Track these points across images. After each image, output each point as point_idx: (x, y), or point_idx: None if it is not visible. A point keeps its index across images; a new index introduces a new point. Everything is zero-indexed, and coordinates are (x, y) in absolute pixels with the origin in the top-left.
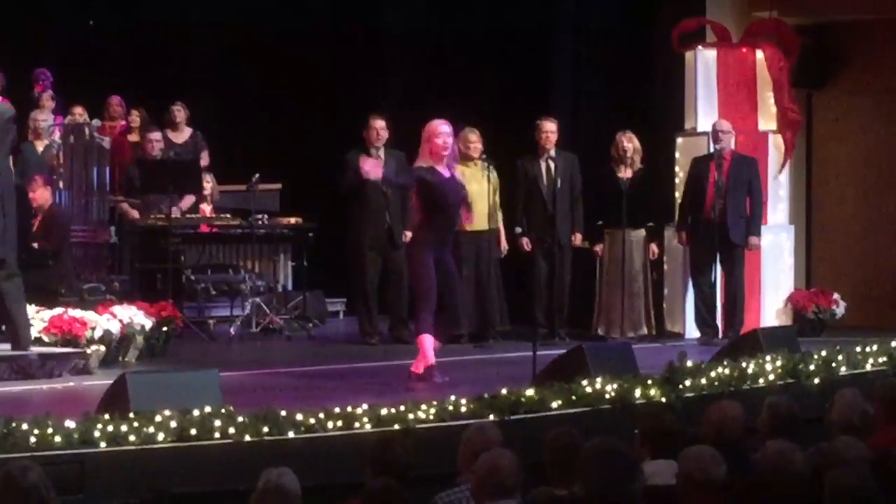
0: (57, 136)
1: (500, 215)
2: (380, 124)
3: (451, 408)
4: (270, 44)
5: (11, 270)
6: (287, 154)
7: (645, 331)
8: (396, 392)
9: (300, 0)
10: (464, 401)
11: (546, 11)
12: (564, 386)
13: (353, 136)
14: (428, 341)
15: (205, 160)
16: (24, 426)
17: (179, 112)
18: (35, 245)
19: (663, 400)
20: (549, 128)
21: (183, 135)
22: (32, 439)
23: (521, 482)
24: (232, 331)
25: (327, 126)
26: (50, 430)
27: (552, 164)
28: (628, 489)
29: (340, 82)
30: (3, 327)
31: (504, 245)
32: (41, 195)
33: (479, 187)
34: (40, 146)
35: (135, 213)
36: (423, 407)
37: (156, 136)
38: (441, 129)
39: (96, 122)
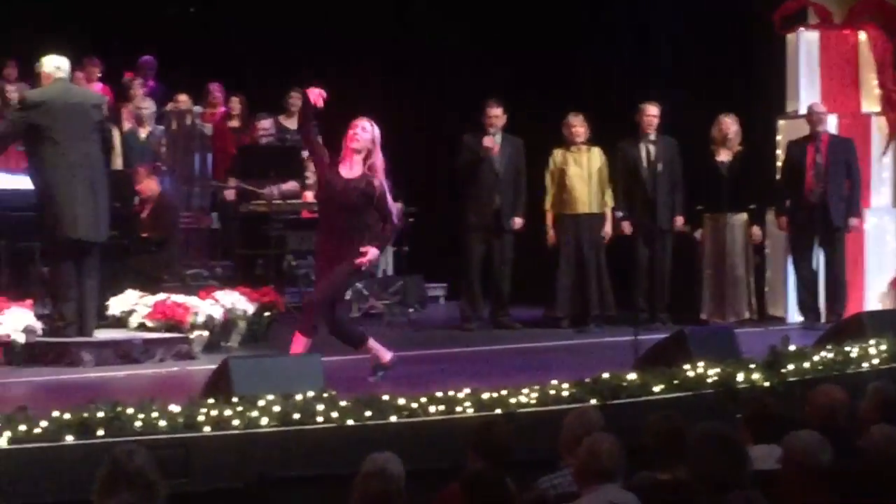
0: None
1: (608, 199)
2: (495, 111)
3: (552, 392)
4: (380, 27)
5: (94, 256)
6: (387, 140)
7: (747, 315)
8: (498, 376)
9: None
10: (565, 385)
11: None
12: (666, 370)
13: (454, 121)
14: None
15: None
16: (130, 411)
17: (298, 99)
18: (144, 235)
19: (766, 384)
20: (652, 111)
21: (295, 122)
22: (138, 424)
23: (623, 467)
24: None
25: (429, 112)
26: (155, 415)
27: (652, 148)
28: (737, 474)
29: (445, 67)
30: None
31: (609, 230)
32: (147, 186)
33: (581, 171)
34: (143, 133)
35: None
36: (525, 391)
37: (264, 123)
38: (355, 122)
39: (198, 110)
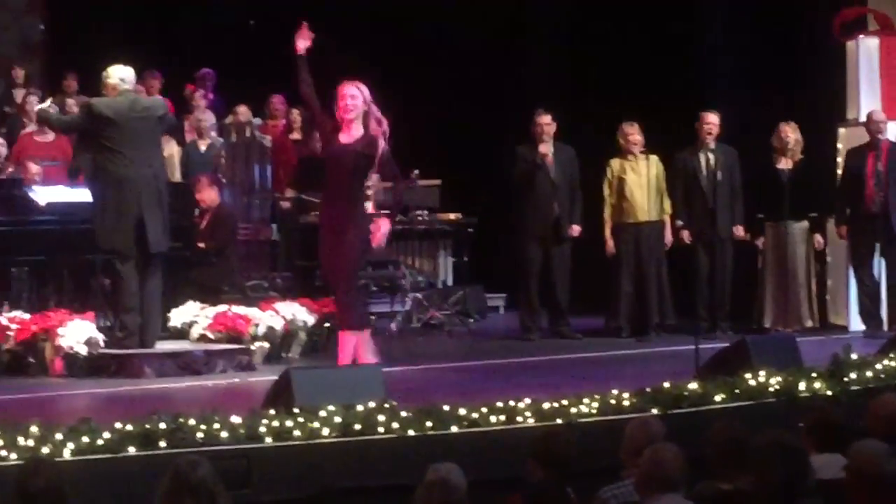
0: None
1: (666, 207)
2: (544, 119)
3: (613, 402)
4: (428, 40)
5: (156, 268)
6: (446, 150)
7: (809, 323)
8: (558, 386)
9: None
10: (626, 395)
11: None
12: (728, 379)
13: (512, 130)
14: (348, 339)
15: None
16: (192, 422)
17: None
18: (201, 245)
19: (828, 393)
20: (712, 120)
21: None
22: (200, 435)
23: (685, 476)
24: (393, 326)
25: (486, 121)
26: (216, 426)
27: (712, 157)
28: (801, 483)
29: (499, 77)
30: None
31: (669, 237)
32: (208, 195)
33: (639, 179)
34: (203, 145)
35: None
36: (586, 401)
37: None
38: (343, 92)
39: (258, 121)
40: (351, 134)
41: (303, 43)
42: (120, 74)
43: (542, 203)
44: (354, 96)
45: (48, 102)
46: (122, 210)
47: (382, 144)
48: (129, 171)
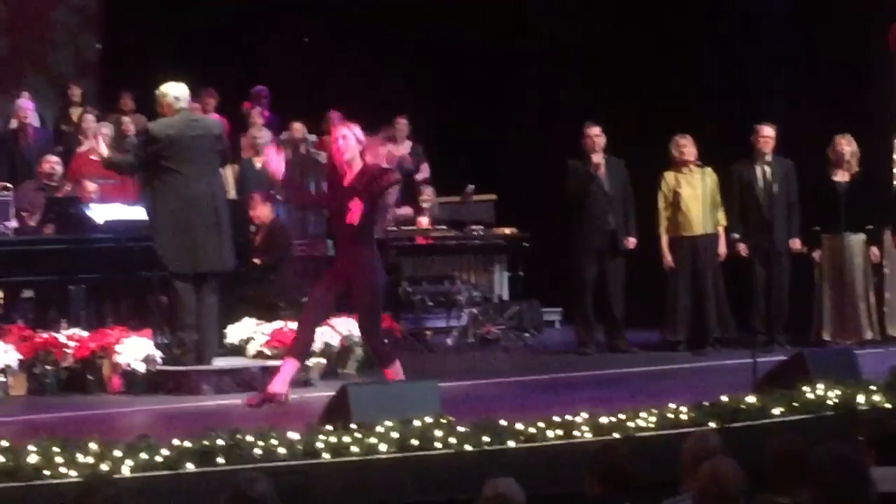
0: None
1: (720, 218)
2: (594, 131)
3: (670, 416)
4: (485, 57)
5: (214, 285)
6: (501, 165)
7: (868, 335)
8: (616, 400)
9: (514, 14)
10: (684, 408)
11: (756, 12)
12: (785, 392)
13: (566, 145)
14: (289, 367)
15: (424, 173)
16: (249, 438)
17: (405, 126)
18: (256, 261)
19: (888, 406)
20: (768, 133)
21: (402, 148)
22: (258, 451)
23: (744, 491)
24: (449, 341)
25: (541, 136)
26: (274, 442)
27: (768, 170)
28: (861, 496)
29: (553, 92)
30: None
31: (723, 249)
32: (262, 212)
33: (694, 192)
34: (258, 162)
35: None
36: (643, 415)
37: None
38: (334, 136)
39: (313, 138)
40: (350, 175)
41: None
42: (175, 93)
43: (597, 216)
44: (346, 137)
45: (105, 150)
46: (180, 228)
47: (370, 169)
48: (187, 189)
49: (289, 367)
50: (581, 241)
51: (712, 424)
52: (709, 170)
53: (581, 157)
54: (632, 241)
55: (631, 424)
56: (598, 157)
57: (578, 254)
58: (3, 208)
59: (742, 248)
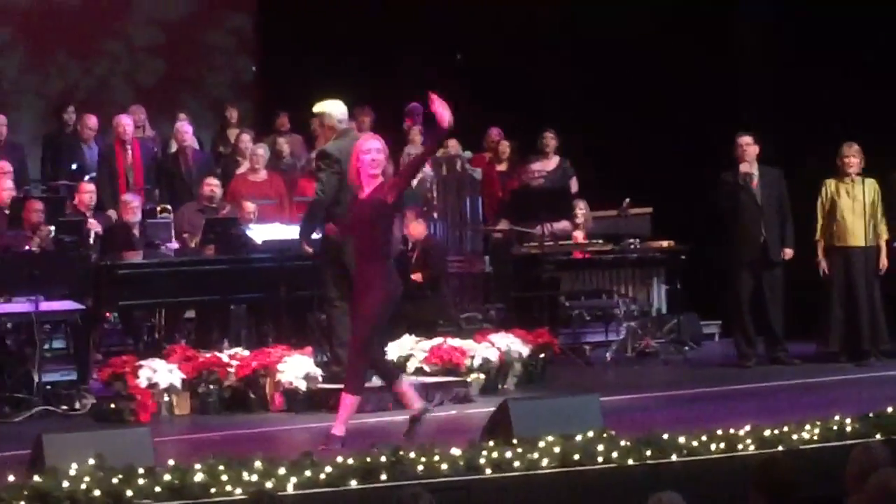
0: (428, 168)
1: (883, 231)
2: (745, 140)
3: (835, 427)
4: (637, 69)
5: None
6: (657, 178)
7: None
8: (779, 412)
9: (667, 26)
10: (848, 420)
11: None
12: None
13: (720, 156)
14: (347, 402)
15: (573, 187)
16: (412, 454)
17: (552, 140)
18: (414, 277)
19: None
20: None
21: (551, 162)
22: (420, 467)
23: None
24: (608, 355)
25: (696, 148)
26: (436, 458)
27: None
28: None
29: (707, 104)
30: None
31: (884, 261)
32: (415, 229)
33: (852, 202)
34: (414, 180)
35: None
36: (807, 427)
37: (537, 166)
38: (368, 146)
39: (468, 154)
40: (369, 188)
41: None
42: (337, 116)
43: (749, 227)
44: (380, 150)
45: None
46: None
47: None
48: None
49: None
50: (734, 254)
51: (878, 436)
52: (871, 181)
53: (733, 168)
54: (788, 253)
55: (795, 437)
56: (747, 168)
57: (733, 266)
58: (164, 230)
59: None
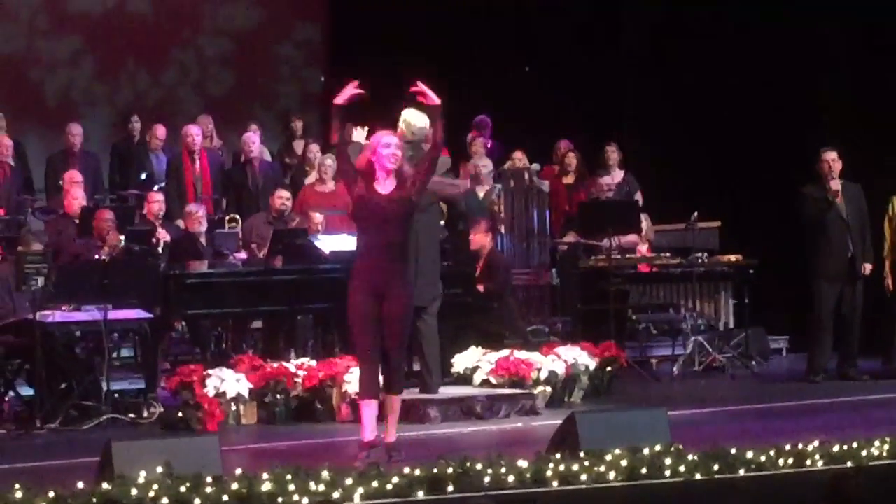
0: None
1: None
2: (831, 156)
3: None
4: (705, 81)
5: (427, 316)
6: (725, 191)
7: None
8: (848, 428)
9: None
10: None
11: None
12: None
13: (791, 170)
14: (367, 409)
15: (639, 201)
16: (478, 466)
17: (614, 153)
18: (479, 288)
19: None
20: None
21: (615, 176)
22: (486, 479)
23: None
24: (674, 369)
25: (765, 162)
26: (503, 470)
27: None
28: None
29: (774, 117)
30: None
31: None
32: (478, 239)
33: None
34: (481, 192)
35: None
36: (877, 443)
37: (606, 179)
38: (386, 141)
39: (536, 167)
40: (385, 184)
41: (342, 97)
42: (412, 127)
43: (836, 242)
44: (399, 146)
45: None
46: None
47: (409, 175)
48: None
49: (368, 411)
50: (819, 269)
51: None
52: None
53: (815, 183)
54: (867, 268)
55: (864, 453)
56: (836, 184)
57: (817, 281)
58: (231, 240)
59: None
